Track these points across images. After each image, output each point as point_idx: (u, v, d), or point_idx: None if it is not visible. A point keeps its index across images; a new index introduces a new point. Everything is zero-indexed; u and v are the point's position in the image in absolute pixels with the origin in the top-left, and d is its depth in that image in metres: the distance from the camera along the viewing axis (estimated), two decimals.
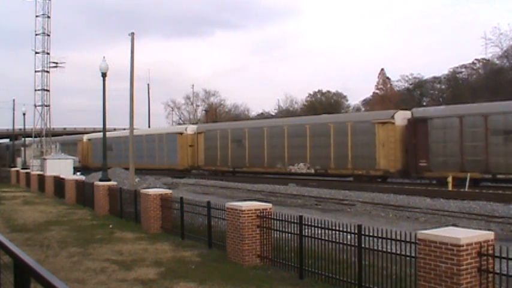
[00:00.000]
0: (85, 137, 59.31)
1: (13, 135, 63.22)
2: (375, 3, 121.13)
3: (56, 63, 46.71)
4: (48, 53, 45.33)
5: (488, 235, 6.42)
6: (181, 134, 45.35)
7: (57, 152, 54.65)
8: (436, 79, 62.46)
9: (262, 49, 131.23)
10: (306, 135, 33.77)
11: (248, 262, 9.70)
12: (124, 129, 56.25)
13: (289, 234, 9.28)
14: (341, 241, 8.11)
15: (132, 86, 25.93)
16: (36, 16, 44.56)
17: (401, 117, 29.55)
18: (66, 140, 62.39)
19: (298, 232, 8.96)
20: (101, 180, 20.21)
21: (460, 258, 5.99)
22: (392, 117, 29.65)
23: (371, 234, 7.55)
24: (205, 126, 48.65)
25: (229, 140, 40.25)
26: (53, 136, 65.81)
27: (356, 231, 7.75)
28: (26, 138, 50.25)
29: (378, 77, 75.46)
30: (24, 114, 45.32)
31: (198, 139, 43.99)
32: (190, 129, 45.93)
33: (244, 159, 39.06)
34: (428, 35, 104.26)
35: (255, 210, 9.86)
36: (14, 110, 59.74)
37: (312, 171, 33.52)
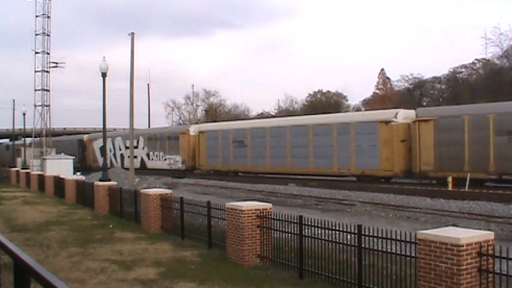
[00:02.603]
0: (192, 129, 44.73)
1: (13, 135, 63.18)
2: (375, 3, 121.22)
3: (56, 63, 46.81)
4: (48, 53, 45.47)
5: (488, 235, 6.42)
6: (386, 123, 29.27)
7: (142, 149, 47.19)
8: (436, 79, 62.46)
9: (262, 49, 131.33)
10: None
11: (248, 262, 9.70)
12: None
13: (289, 234, 9.28)
14: (341, 241, 8.11)
15: (132, 86, 25.95)
16: (36, 16, 44.72)
17: None
18: (158, 133, 47.72)
19: (298, 232, 8.96)
20: (101, 180, 20.24)
21: (460, 258, 6.00)
22: None
23: (371, 234, 7.56)
24: (435, 110, 30.14)
25: (491, 130, 24.42)
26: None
27: (356, 231, 7.75)
28: (27, 138, 50.16)
29: (378, 77, 75.62)
30: (24, 114, 45.37)
31: (419, 130, 27.81)
32: (403, 115, 29.49)
33: None
34: (428, 35, 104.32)
35: (255, 210, 9.86)
36: (14, 110, 59.80)
37: None
